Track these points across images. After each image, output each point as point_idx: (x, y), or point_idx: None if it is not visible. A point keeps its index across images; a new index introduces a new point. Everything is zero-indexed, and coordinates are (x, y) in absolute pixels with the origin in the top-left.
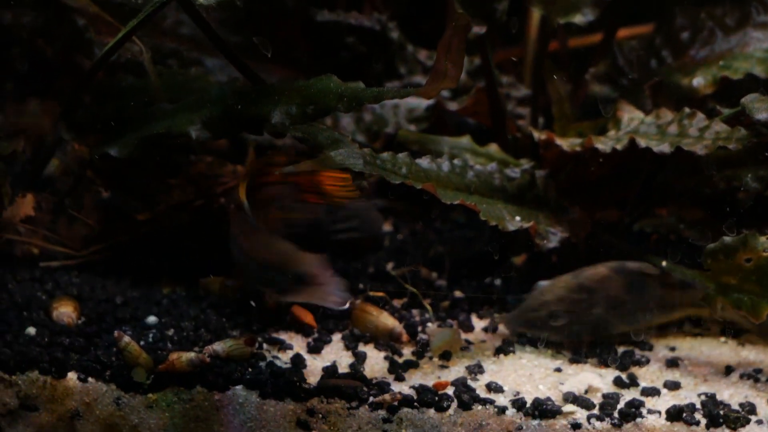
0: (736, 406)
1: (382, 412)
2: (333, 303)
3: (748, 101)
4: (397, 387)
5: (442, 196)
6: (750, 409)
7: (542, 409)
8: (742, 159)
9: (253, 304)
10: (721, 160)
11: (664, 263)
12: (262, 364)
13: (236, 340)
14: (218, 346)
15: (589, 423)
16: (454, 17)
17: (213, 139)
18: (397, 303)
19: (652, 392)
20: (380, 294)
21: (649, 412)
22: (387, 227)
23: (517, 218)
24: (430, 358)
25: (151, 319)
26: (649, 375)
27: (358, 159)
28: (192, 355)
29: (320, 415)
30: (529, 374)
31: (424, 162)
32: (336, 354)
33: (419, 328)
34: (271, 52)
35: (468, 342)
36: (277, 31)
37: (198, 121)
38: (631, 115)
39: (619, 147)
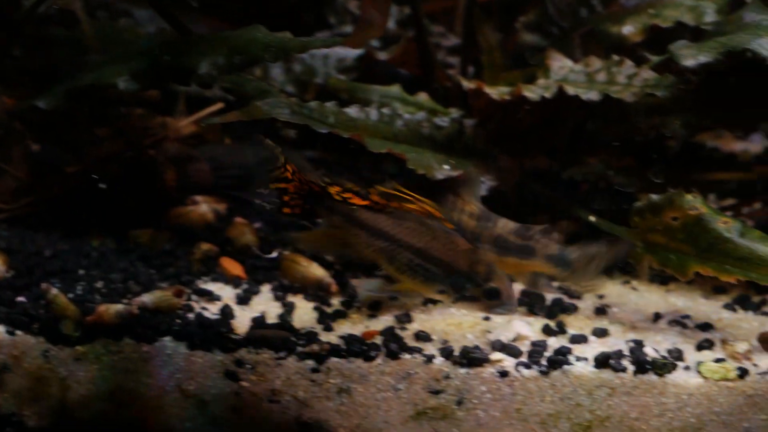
0: (664, 353)
1: (310, 362)
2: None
3: (676, 48)
4: (325, 337)
5: (369, 144)
6: (677, 355)
7: (470, 357)
8: (671, 106)
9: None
10: (650, 107)
11: (591, 218)
12: (191, 315)
13: (165, 292)
14: (146, 298)
15: (517, 370)
16: None
17: (141, 91)
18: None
19: (580, 339)
20: None
21: (577, 359)
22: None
23: (446, 167)
24: (359, 308)
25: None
26: (578, 323)
27: (285, 108)
28: (120, 307)
29: (249, 366)
30: (458, 323)
31: (353, 111)
32: (265, 305)
33: (348, 278)
34: (201, 3)
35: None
36: None
37: (126, 73)
38: (560, 64)
39: (547, 95)
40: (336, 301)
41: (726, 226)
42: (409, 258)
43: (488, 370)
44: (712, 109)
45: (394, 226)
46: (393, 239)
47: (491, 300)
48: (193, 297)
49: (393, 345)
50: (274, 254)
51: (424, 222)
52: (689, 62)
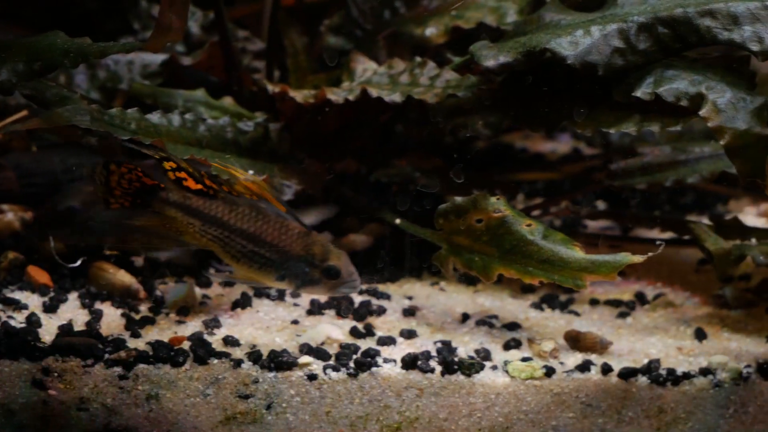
0: (471, 353)
1: (117, 369)
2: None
3: (477, 48)
4: (133, 343)
5: (172, 150)
6: (485, 355)
7: (278, 361)
8: (472, 106)
9: None
10: (452, 108)
11: (397, 221)
12: None
13: None
14: None
15: (325, 374)
16: None
17: None
18: (136, 261)
19: (388, 341)
20: (115, 252)
21: (385, 361)
22: None
23: (250, 172)
24: (167, 314)
25: None
26: (386, 324)
27: (85, 115)
28: None
29: (56, 374)
30: (266, 327)
31: (155, 117)
32: (72, 312)
33: (156, 284)
34: (2, 10)
35: (206, 297)
36: None
37: None
38: (364, 66)
39: (351, 98)
40: (144, 308)
41: (529, 228)
42: (242, 245)
43: (297, 374)
44: (513, 109)
45: (227, 213)
46: (226, 226)
47: (332, 279)
48: None
49: (201, 350)
50: (78, 262)
51: (255, 206)
52: (490, 63)
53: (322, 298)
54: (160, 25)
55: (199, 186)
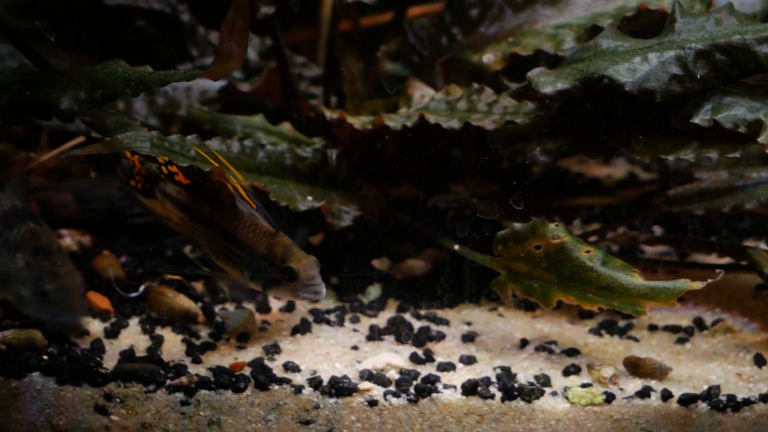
0: (531, 379)
1: (179, 395)
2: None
3: (534, 75)
4: (194, 369)
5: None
6: (545, 381)
7: (339, 387)
8: (530, 133)
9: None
10: (511, 134)
11: (456, 247)
12: (60, 350)
13: (30, 329)
14: (12, 333)
15: (386, 399)
16: None
17: (3, 127)
18: (197, 286)
19: (447, 367)
20: (177, 277)
21: (445, 386)
22: None
23: (309, 198)
24: (227, 339)
25: None
26: (446, 350)
27: (145, 142)
28: None
29: (118, 400)
30: (326, 353)
31: (214, 143)
32: (133, 338)
33: (216, 310)
34: (61, 37)
35: (266, 323)
36: (66, 15)
37: None
38: (422, 92)
39: (409, 124)
40: (204, 333)
41: (588, 255)
42: (219, 241)
43: (357, 400)
44: (571, 136)
45: (207, 208)
46: (208, 222)
47: (290, 281)
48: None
49: (262, 376)
50: (141, 290)
51: (234, 204)
52: (548, 89)
53: (381, 323)
54: (221, 54)
55: (188, 181)
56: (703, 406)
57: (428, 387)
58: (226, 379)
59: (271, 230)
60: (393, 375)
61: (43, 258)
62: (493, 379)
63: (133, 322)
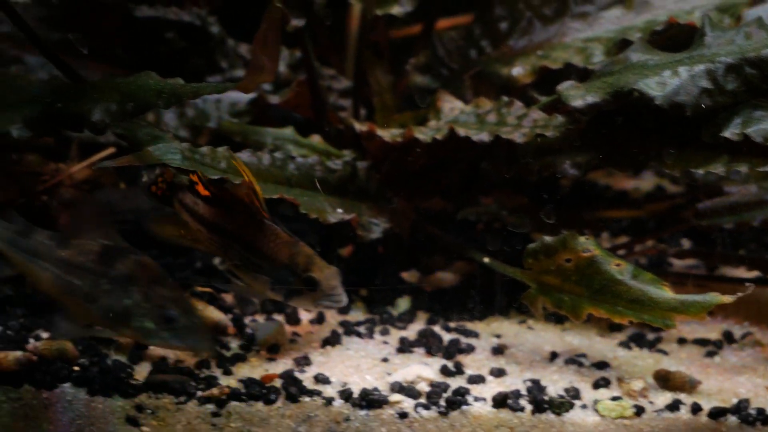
0: (561, 392)
1: (210, 406)
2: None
3: (564, 88)
4: (225, 381)
5: (262, 190)
6: (575, 393)
7: (369, 399)
8: (560, 146)
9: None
10: (541, 147)
11: (486, 259)
12: (91, 361)
13: (63, 339)
14: (43, 344)
15: (416, 411)
16: (269, 10)
17: (34, 138)
18: (227, 298)
19: (477, 380)
20: (207, 289)
21: (476, 399)
22: None
23: (339, 210)
24: (258, 351)
25: None
26: (476, 363)
27: (176, 154)
28: (19, 353)
29: (149, 411)
30: (357, 365)
31: (244, 155)
32: (164, 349)
33: (246, 321)
34: (92, 48)
35: (296, 334)
36: (96, 27)
37: (19, 120)
38: (451, 105)
39: (439, 137)
40: (234, 345)
41: (618, 268)
42: (240, 252)
43: (388, 412)
44: (601, 149)
45: (228, 220)
46: (226, 233)
47: (311, 291)
48: (92, 342)
49: (292, 388)
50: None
51: (251, 213)
52: (577, 103)
53: (411, 336)
54: (254, 66)
55: (207, 193)
56: (732, 419)
57: (458, 399)
58: (257, 390)
59: (292, 240)
60: (423, 387)
61: (157, 285)
62: (523, 392)
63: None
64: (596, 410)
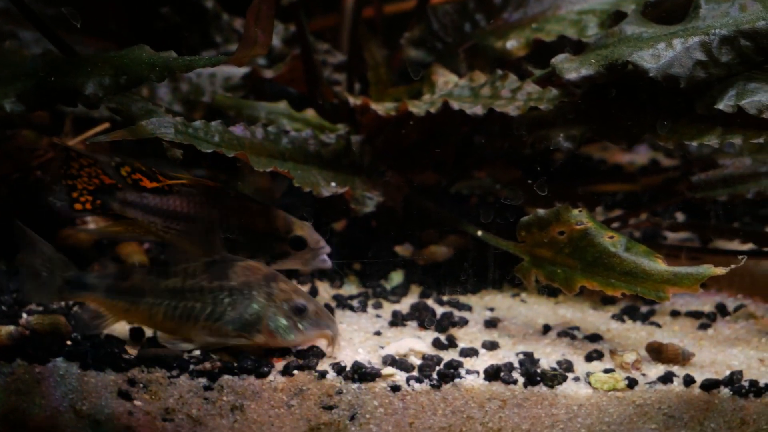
0: (553, 364)
1: (203, 380)
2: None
3: (558, 61)
4: (217, 354)
5: (255, 163)
6: (567, 366)
7: (362, 373)
8: (554, 119)
9: None
10: (535, 120)
11: (479, 232)
12: (83, 335)
13: (54, 314)
14: (36, 319)
15: (409, 385)
16: None
17: (28, 112)
18: None
19: (470, 353)
20: None
21: (468, 372)
22: None
23: (332, 184)
24: None
25: None
26: (468, 336)
27: (169, 128)
28: (11, 328)
29: (141, 385)
30: (349, 338)
31: (238, 129)
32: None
33: None
34: (86, 24)
35: None
36: (91, 2)
37: (12, 95)
38: (445, 79)
39: (433, 110)
40: None
41: (612, 240)
42: (209, 231)
43: (380, 385)
44: (595, 122)
45: (186, 204)
46: (187, 217)
47: (299, 250)
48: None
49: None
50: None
51: (213, 191)
52: (572, 75)
53: (404, 309)
54: (246, 40)
55: (155, 184)
56: (725, 391)
57: (451, 372)
58: (249, 364)
59: (262, 206)
60: (415, 360)
61: (272, 281)
62: (516, 365)
63: None
64: (589, 383)
